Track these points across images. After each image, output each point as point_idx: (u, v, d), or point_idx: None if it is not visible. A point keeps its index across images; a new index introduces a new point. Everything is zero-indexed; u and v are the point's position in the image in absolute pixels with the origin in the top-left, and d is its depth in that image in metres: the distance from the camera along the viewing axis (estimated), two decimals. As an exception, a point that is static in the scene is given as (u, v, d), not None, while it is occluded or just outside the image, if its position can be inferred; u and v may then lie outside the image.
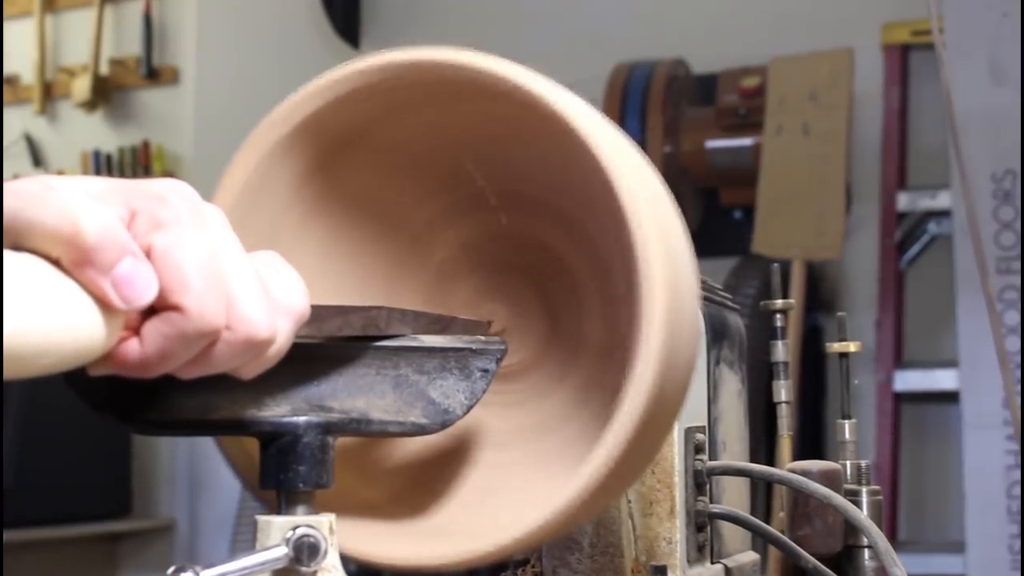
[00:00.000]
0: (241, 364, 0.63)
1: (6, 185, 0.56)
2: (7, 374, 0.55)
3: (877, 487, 1.10)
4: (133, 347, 0.59)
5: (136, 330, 0.59)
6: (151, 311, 0.59)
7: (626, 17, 4.03)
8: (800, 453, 1.15)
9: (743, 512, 1.00)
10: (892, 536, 3.36)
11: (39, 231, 0.56)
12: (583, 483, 0.69)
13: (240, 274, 0.61)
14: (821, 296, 3.60)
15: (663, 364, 0.69)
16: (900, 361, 3.49)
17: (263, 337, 0.62)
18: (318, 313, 0.68)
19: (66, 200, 0.56)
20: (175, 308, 0.59)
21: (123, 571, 4.62)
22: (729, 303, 1.10)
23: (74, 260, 0.56)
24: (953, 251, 3.28)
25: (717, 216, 3.78)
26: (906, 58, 3.58)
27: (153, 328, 0.59)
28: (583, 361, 0.84)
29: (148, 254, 0.59)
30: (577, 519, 0.72)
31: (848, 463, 1.11)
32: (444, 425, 0.73)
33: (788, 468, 1.01)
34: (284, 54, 4.51)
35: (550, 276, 0.85)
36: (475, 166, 0.84)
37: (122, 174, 4.74)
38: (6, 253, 0.55)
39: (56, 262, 0.56)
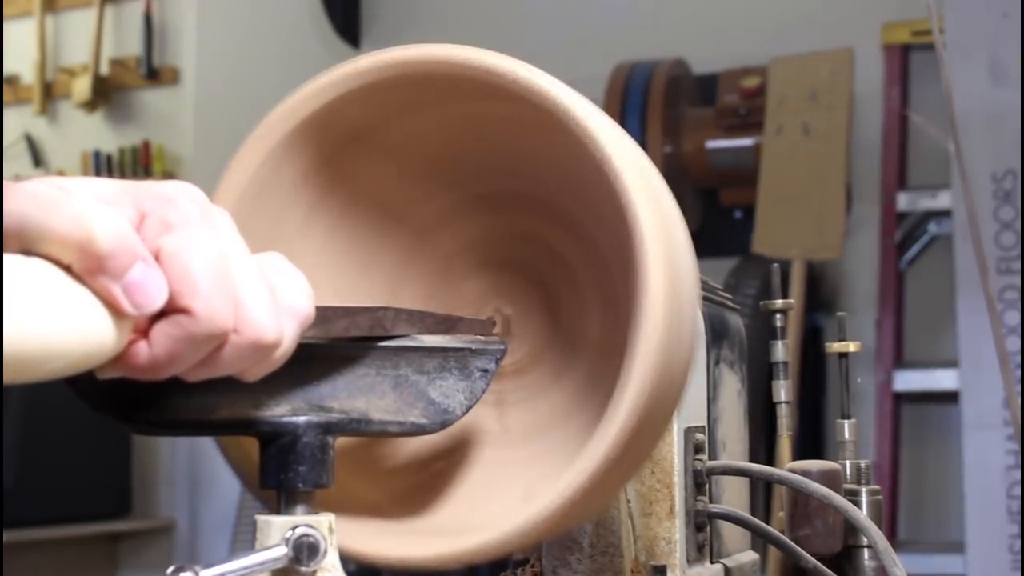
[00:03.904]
0: (247, 367, 0.63)
1: (19, 188, 0.56)
2: (16, 378, 0.55)
3: (877, 487, 1.10)
4: (142, 350, 0.59)
5: (145, 333, 0.59)
6: (160, 314, 0.59)
7: (626, 17, 4.02)
8: (800, 453, 1.15)
9: (743, 512, 1.00)
10: (892, 536, 3.36)
11: (51, 237, 0.56)
12: (577, 481, 0.69)
13: (248, 277, 0.61)
14: (821, 296, 3.60)
15: (660, 363, 0.69)
16: (900, 361, 3.49)
17: (270, 340, 0.62)
18: (324, 314, 0.68)
19: (79, 206, 0.56)
20: (184, 311, 0.59)
21: (123, 571, 4.62)
22: (729, 303, 1.10)
23: (86, 267, 0.57)
24: (953, 251, 3.28)
25: (717, 216, 3.78)
26: (906, 58, 3.57)
27: (162, 331, 0.59)
28: (583, 359, 0.84)
29: (157, 257, 0.59)
30: (575, 517, 0.72)
31: (848, 463, 1.11)
32: (444, 425, 0.73)
33: (788, 468, 1.01)
34: (284, 54, 4.51)
35: (552, 275, 0.85)
36: (478, 164, 0.84)
37: (122, 174, 4.74)
38: (18, 258, 0.55)
39: (67, 268, 0.57)
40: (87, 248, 0.56)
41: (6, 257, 0.55)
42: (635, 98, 3.59)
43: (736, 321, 1.10)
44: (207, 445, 0.77)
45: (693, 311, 0.74)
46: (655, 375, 0.69)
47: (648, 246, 0.69)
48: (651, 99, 3.58)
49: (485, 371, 0.74)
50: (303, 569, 0.66)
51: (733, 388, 1.08)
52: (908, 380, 3.44)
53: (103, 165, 4.81)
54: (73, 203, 0.56)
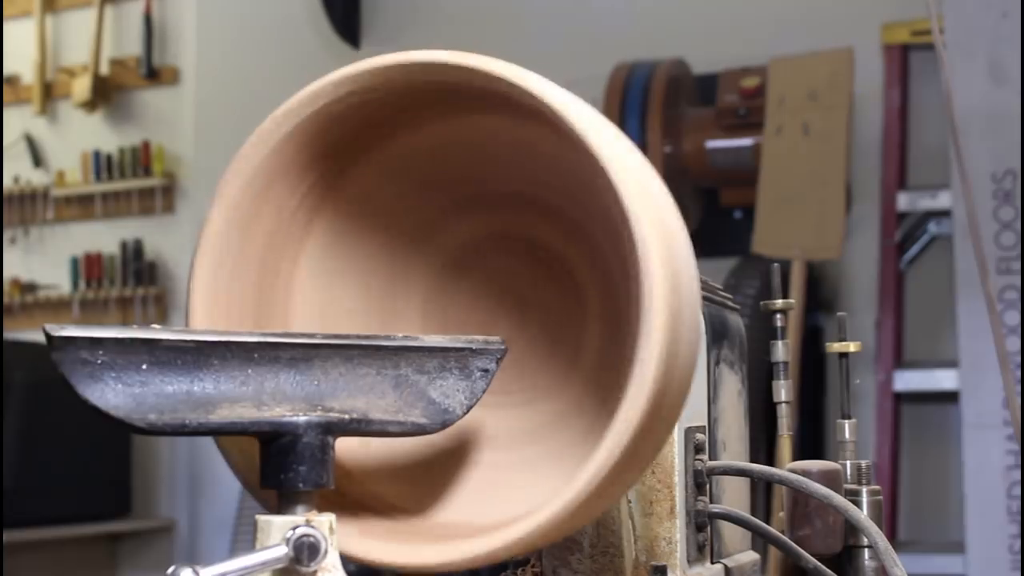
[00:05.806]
0: None
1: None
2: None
3: (877, 487, 1.10)
4: None
5: None
6: None
7: (626, 17, 4.02)
8: (800, 453, 1.15)
9: (743, 512, 1.00)
10: (892, 536, 3.36)
11: None
12: (583, 484, 0.69)
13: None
14: (821, 296, 3.60)
15: (663, 366, 0.69)
16: (900, 361, 3.48)
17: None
18: None
19: None
20: None
21: (123, 571, 4.62)
22: (729, 303, 1.10)
23: None
24: (953, 251, 3.28)
25: (717, 216, 3.77)
26: (906, 58, 3.57)
27: None
28: (585, 363, 0.83)
29: None
30: (578, 520, 0.72)
31: (848, 463, 1.11)
32: (444, 425, 0.73)
33: (788, 468, 1.01)
34: (284, 54, 4.51)
35: (553, 278, 0.85)
36: (477, 166, 0.84)
37: (122, 174, 4.74)
38: None
39: None
40: None
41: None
42: (635, 98, 3.58)
43: (736, 321, 1.10)
44: (207, 445, 0.77)
45: (694, 314, 0.74)
46: (658, 380, 0.69)
47: (647, 250, 0.69)
48: (651, 99, 3.58)
49: (485, 371, 0.74)
50: (303, 569, 0.66)
51: (733, 388, 1.08)
52: (908, 380, 3.44)
53: (103, 165, 4.80)
54: None
